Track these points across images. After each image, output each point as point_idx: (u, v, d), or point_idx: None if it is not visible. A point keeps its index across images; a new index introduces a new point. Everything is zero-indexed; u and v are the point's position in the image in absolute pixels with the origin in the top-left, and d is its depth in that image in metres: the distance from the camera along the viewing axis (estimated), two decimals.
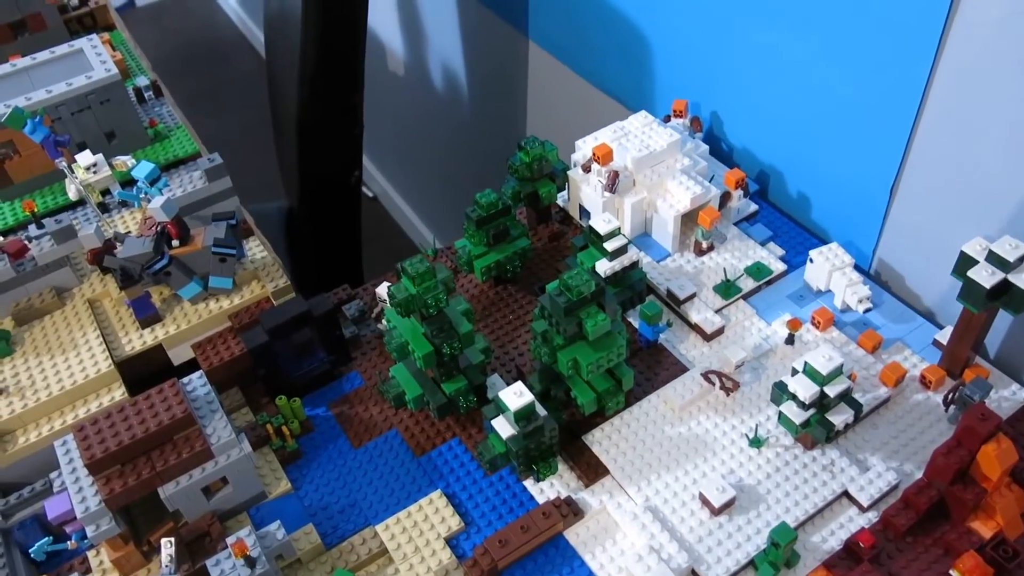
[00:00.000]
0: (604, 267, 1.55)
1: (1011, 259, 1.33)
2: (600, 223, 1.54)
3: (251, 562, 1.24)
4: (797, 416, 1.36)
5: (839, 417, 1.35)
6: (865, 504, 1.36)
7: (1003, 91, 1.35)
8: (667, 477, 1.42)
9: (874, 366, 1.53)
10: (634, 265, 1.58)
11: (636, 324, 1.61)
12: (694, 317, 1.61)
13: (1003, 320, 1.52)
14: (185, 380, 1.39)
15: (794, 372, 1.36)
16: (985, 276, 1.34)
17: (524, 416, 1.33)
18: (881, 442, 1.44)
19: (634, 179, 1.72)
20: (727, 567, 1.30)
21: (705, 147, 1.81)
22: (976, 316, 1.42)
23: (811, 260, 1.64)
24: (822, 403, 1.35)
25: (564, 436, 1.49)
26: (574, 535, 1.38)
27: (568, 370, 1.40)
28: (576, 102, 2.34)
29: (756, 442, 1.44)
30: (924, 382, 1.50)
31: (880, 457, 1.41)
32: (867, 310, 1.59)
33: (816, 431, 1.36)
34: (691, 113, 1.92)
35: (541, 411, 1.37)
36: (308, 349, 1.58)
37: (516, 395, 1.33)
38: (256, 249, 1.73)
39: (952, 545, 1.30)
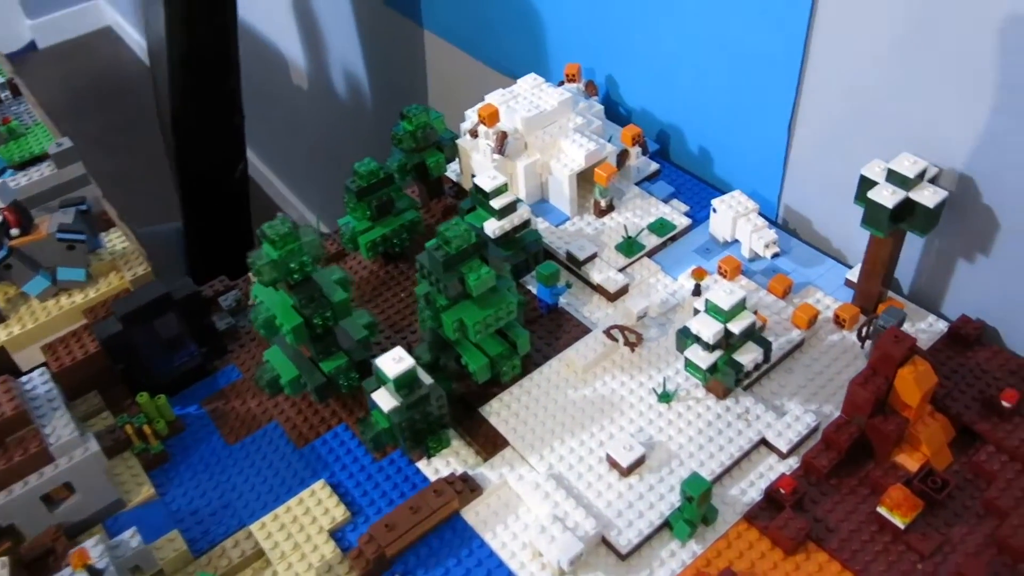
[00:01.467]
0: (493, 227, 1.44)
1: (911, 175, 1.25)
2: (485, 180, 1.43)
3: (95, 573, 1.08)
4: (703, 360, 1.25)
5: (747, 357, 1.25)
6: (784, 450, 1.26)
7: (883, 12, 1.29)
8: (571, 442, 1.30)
9: (785, 310, 1.43)
10: (526, 224, 1.47)
11: (535, 291, 1.51)
12: (596, 277, 1.51)
13: (913, 250, 1.44)
14: (24, 379, 1.24)
15: (696, 313, 1.26)
16: (886, 196, 1.26)
17: (406, 383, 1.20)
18: (798, 386, 1.34)
19: (525, 141, 1.62)
20: (639, 530, 1.18)
21: (600, 107, 1.72)
22: (883, 244, 1.34)
23: (714, 210, 1.56)
24: (728, 344, 1.25)
25: (459, 410, 1.36)
26: (473, 514, 1.25)
27: (454, 333, 1.28)
28: (475, 84, 2.25)
29: (665, 397, 1.33)
30: (838, 321, 1.41)
31: (797, 401, 1.31)
32: (775, 255, 1.50)
33: (725, 375, 1.25)
34: (585, 77, 1.84)
35: (426, 378, 1.24)
36: (177, 343, 1.43)
37: (395, 361, 1.20)
38: (117, 240, 1.58)
39: (879, 482, 1.20)
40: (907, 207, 1.27)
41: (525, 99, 1.65)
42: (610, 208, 1.62)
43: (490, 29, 2.12)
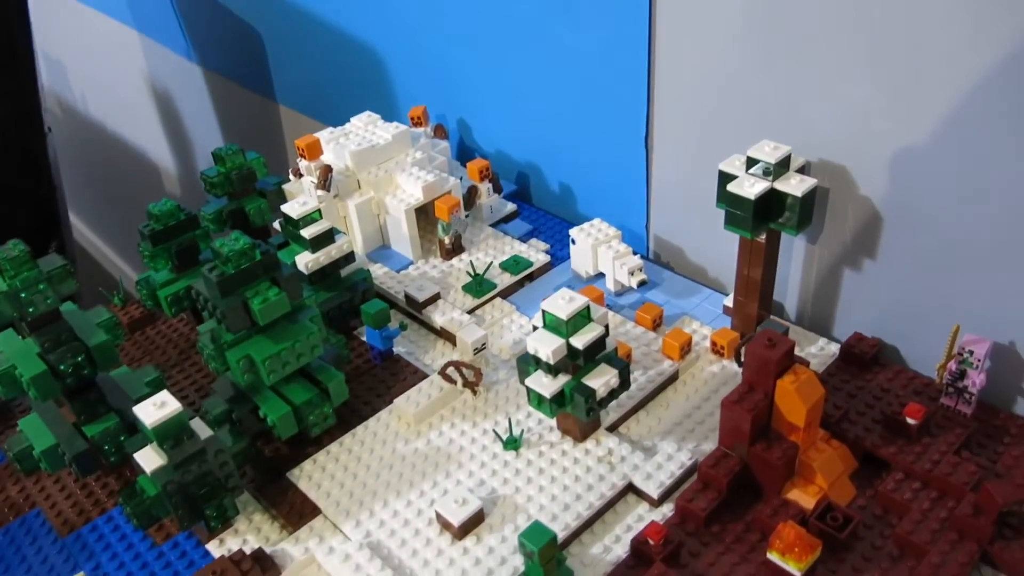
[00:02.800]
0: (306, 260, 1.21)
1: (772, 161, 1.07)
2: (293, 207, 1.20)
3: None
4: (546, 387, 1.01)
5: (599, 380, 1.01)
6: (655, 495, 1.00)
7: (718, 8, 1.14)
8: (396, 504, 1.03)
9: (655, 341, 1.21)
10: (349, 259, 1.24)
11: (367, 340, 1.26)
12: (438, 320, 1.27)
13: (794, 269, 1.25)
14: None
15: (535, 329, 1.03)
16: (747, 187, 1.07)
17: (171, 434, 0.93)
18: (672, 423, 1.10)
19: (357, 179, 1.41)
20: None
21: (445, 145, 1.53)
22: (755, 251, 1.14)
23: (573, 241, 1.35)
24: (575, 366, 1.02)
25: (262, 476, 1.09)
26: None
27: (243, 376, 1.02)
28: None
29: (512, 443, 1.07)
30: (715, 349, 1.19)
31: (672, 440, 1.07)
32: (641, 283, 1.29)
33: (575, 405, 1.01)
34: (434, 121, 1.66)
35: (203, 430, 0.98)
36: None
37: (156, 406, 0.94)
38: None
39: (768, 525, 0.95)
40: (775, 201, 1.08)
41: (356, 135, 1.45)
42: (458, 248, 1.40)
43: (335, 89, 1.94)
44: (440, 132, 1.61)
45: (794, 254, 1.24)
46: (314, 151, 1.38)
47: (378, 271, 1.39)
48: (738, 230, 1.10)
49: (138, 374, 1.13)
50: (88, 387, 1.04)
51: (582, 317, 0.99)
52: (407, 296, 1.30)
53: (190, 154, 2.66)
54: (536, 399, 1.02)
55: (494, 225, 1.49)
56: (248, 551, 0.98)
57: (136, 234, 1.26)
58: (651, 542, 0.93)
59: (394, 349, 1.25)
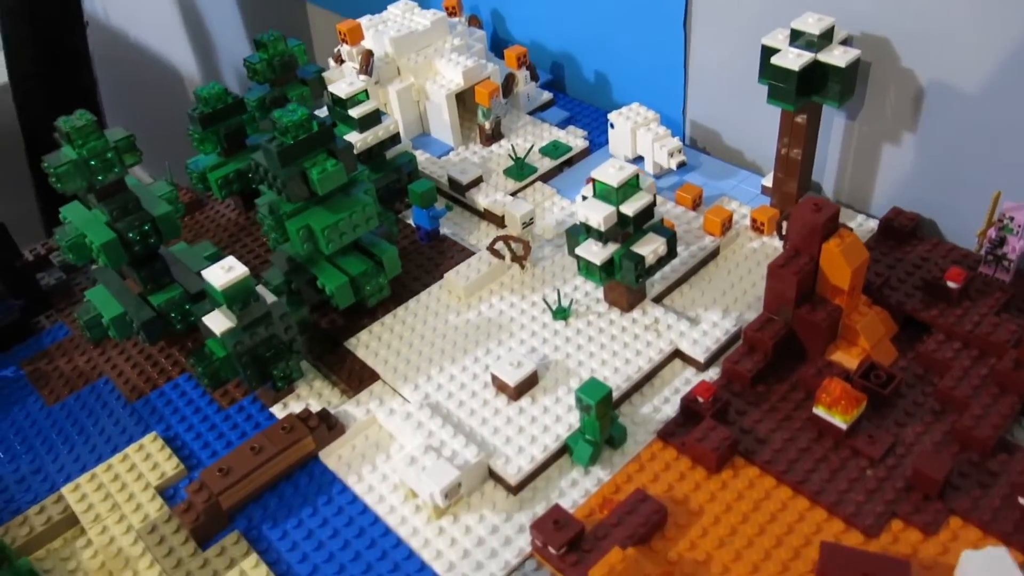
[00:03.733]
0: (353, 141, 1.21)
1: (816, 32, 1.06)
2: (341, 86, 1.20)
3: None
4: (596, 255, 1.02)
5: (647, 247, 1.02)
6: (702, 359, 1.03)
7: None
8: (452, 369, 1.05)
9: (696, 220, 1.22)
10: (395, 139, 1.25)
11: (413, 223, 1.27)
12: (482, 202, 1.28)
13: (832, 147, 1.24)
14: None
15: (584, 199, 1.04)
16: (792, 59, 1.06)
17: (239, 297, 0.95)
18: (717, 294, 1.12)
19: (397, 66, 1.40)
20: (532, 456, 0.94)
21: (482, 33, 1.52)
22: (796, 127, 1.14)
23: (612, 125, 1.35)
24: (625, 234, 1.03)
25: (320, 347, 1.11)
26: (334, 458, 0.99)
27: (303, 245, 1.04)
28: None
29: (561, 313, 1.09)
30: (755, 226, 1.20)
31: (716, 310, 1.09)
32: (681, 164, 1.29)
33: (624, 271, 1.02)
34: (468, 12, 1.64)
35: (268, 295, 1.00)
36: None
37: (224, 270, 0.95)
38: None
39: (813, 384, 0.97)
40: (817, 74, 1.08)
41: (395, 22, 1.44)
42: (497, 134, 1.40)
43: None
44: (474, 22, 1.59)
45: (833, 133, 1.23)
46: (356, 35, 1.36)
47: (419, 157, 1.39)
48: (781, 103, 1.09)
49: (196, 249, 1.15)
50: (153, 257, 1.06)
51: (631, 186, 1.00)
52: (450, 179, 1.31)
53: (214, 59, 2.62)
54: (586, 267, 1.04)
55: (531, 114, 1.49)
56: (305, 408, 1.01)
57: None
58: (700, 400, 0.96)
59: (440, 230, 1.27)
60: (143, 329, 1.05)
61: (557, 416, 0.97)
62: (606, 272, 1.03)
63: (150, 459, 1.00)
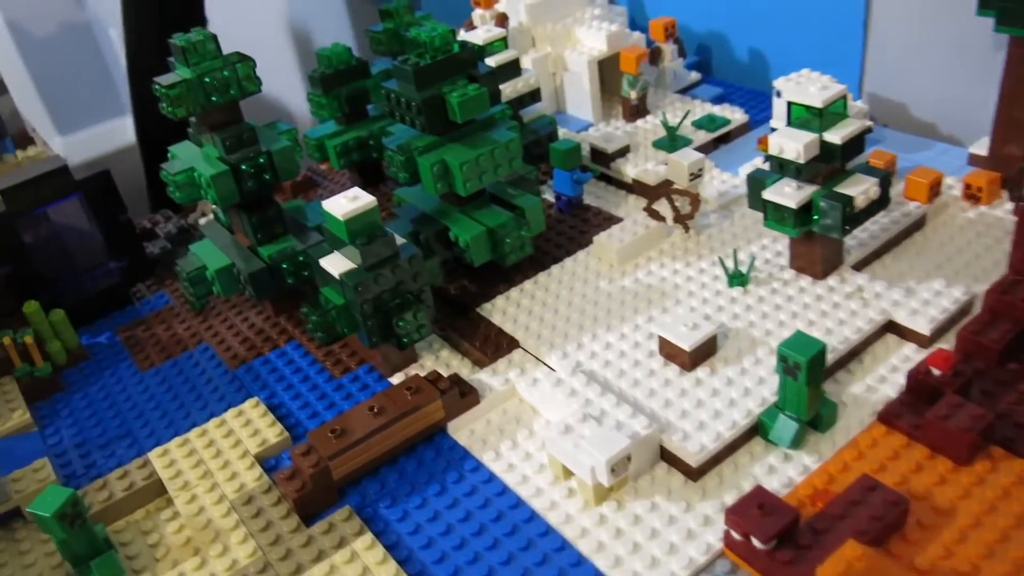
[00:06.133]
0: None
1: None
2: (478, 33, 1.04)
3: None
4: (791, 196, 0.81)
5: (858, 187, 0.81)
6: (927, 331, 0.80)
7: None
8: (608, 336, 0.85)
9: (892, 188, 1.00)
10: (535, 95, 1.08)
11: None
12: (630, 172, 1.10)
13: None
14: None
15: (773, 131, 0.84)
16: None
17: (364, 230, 0.78)
18: (931, 267, 0.89)
19: (532, 35, 1.25)
20: (717, 433, 0.72)
21: (622, 8, 1.35)
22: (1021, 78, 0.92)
23: (778, 93, 1.14)
24: (828, 171, 0.82)
25: (450, 312, 0.93)
26: (465, 432, 0.79)
27: (436, 185, 0.86)
28: None
29: (739, 278, 0.88)
30: (970, 193, 0.97)
31: (934, 281, 0.86)
32: (867, 131, 1.08)
33: (826, 217, 0.81)
34: None
35: (396, 237, 0.82)
36: (92, 255, 1.03)
37: (349, 199, 0.78)
38: (33, 151, 1.20)
39: None
40: None
41: None
42: (643, 109, 1.22)
43: None
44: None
45: None
46: None
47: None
48: (1013, 29, 0.88)
49: (312, 205, 0.99)
50: (267, 202, 0.91)
51: (837, 110, 0.80)
52: (593, 149, 1.13)
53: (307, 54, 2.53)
54: (775, 216, 0.83)
55: (678, 93, 1.31)
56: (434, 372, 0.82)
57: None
58: (937, 372, 0.73)
59: (583, 200, 1.08)
60: (251, 282, 0.89)
61: (746, 388, 0.76)
62: (802, 219, 0.81)
63: (250, 425, 0.82)
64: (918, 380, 0.74)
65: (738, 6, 1.34)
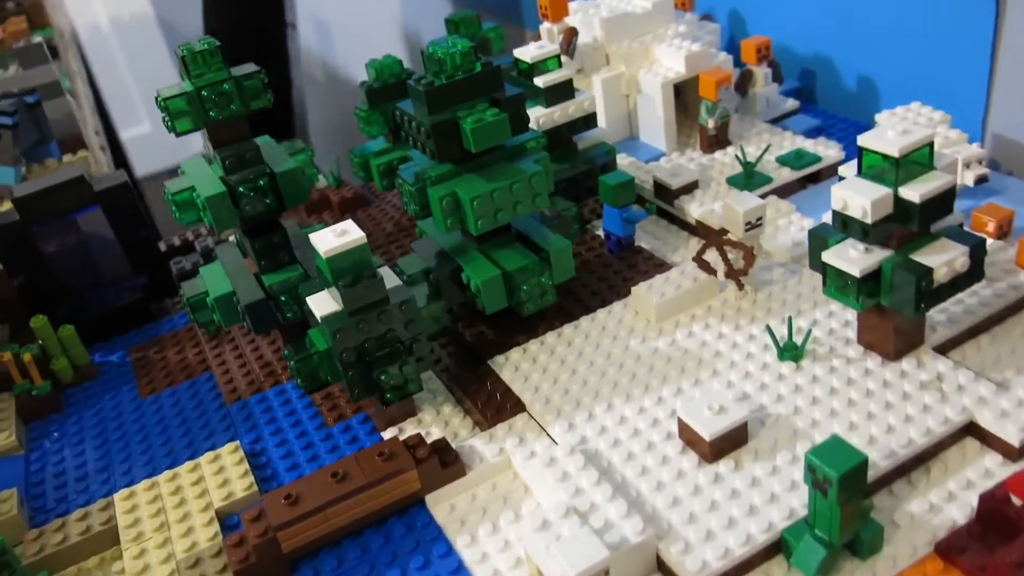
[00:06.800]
0: (538, 116, 0.95)
1: None
2: (528, 50, 0.95)
3: None
4: (856, 262, 0.68)
5: (940, 257, 0.67)
6: (1015, 442, 0.65)
7: None
8: (625, 408, 0.74)
9: (1003, 251, 0.84)
10: (589, 120, 0.97)
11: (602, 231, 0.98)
12: (694, 212, 0.98)
13: None
14: None
15: (841, 181, 0.71)
16: None
17: (348, 269, 0.70)
18: None
19: (606, 52, 1.15)
20: (725, 548, 0.60)
21: (715, 26, 1.23)
22: None
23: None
24: (903, 234, 0.68)
25: (459, 364, 0.84)
26: (444, 507, 0.70)
27: (446, 221, 0.78)
28: None
29: (791, 351, 0.75)
30: None
31: None
32: (980, 180, 0.92)
33: (898, 291, 0.67)
34: (700, 10, 1.36)
35: (392, 279, 0.74)
36: (117, 267, 1.01)
37: (336, 234, 0.71)
38: (83, 160, 1.20)
39: None
40: None
41: (608, 6, 1.18)
42: (723, 139, 1.09)
43: None
44: (708, 21, 1.31)
45: None
46: (559, 9, 1.13)
47: (622, 161, 1.11)
48: None
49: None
50: (272, 227, 0.85)
51: (919, 160, 0.66)
52: (656, 183, 1.01)
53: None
54: (836, 283, 0.69)
55: (770, 122, 1.17)
56: (418, 435, 0.73)
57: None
58: (1018, 501, 0.58)
59: (635, 241, 0.97)
60: (247, 313, 0.83)
61: (772, 494, 0.63)
62: (868, 290, 0.68)
63: (222, 473, 0.76)
64: (993, 507, 0.59)
65: (849, 26, 1.19)
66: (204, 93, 0.77)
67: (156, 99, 0.80)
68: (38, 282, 0.96)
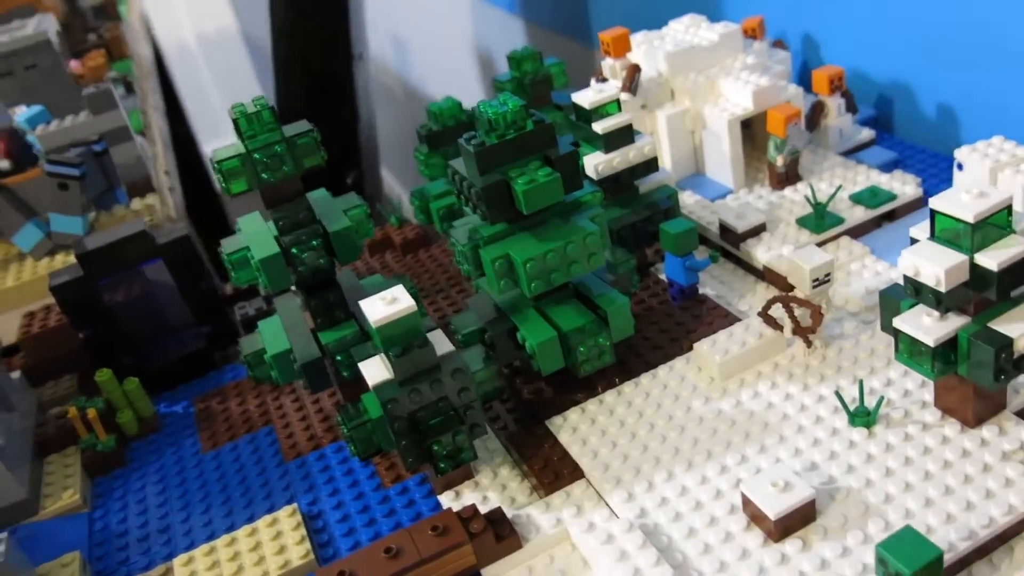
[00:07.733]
0: (596, 163, 0.94)
1: None
2: (587, 94, 0.94)
3: None
4: (930, 331, 0.65)
5: (1019, 327, 0.63)
6: None
7: None
8: (686, 478, 0.73)
9: None
10: (651, 165, 0.96)
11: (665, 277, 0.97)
12: (761, 257, 0.95)
13: None
14: None
15: (913, 243, 0.68)
16: None
17: (399, 339, 0.71)
18: None
19: (671, 87, 1.13)
20: None
21: (786, 54, 1.20)
22: None
23: (959, 166, 0.96)
24: (980, 301, 0.65)
25: (520, 423, 0.84)
26: None
27: (499, 282, 0.78)
28: None
29: (863, 416, 0.73)
30: None
31: None
32: None
33: (976, 361, 0.64)
34: (772, 36, 1.33)
35: (444, 344, 0.74)
36: (175, 321, 1.04)
37: (386, 302, 0.72)
38: (151, 204, 1.24)
39: None
40: None
41: (673, 38, 1.17)
42: (793, 175, 1.07)
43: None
44: (779, 47, 1.28)
45: None
46: (621, 45, 1.11)
47: (687, 199, 1.09)
48: None
49: (390, 283, 0.93)
50: (327, 285, 0.86)
51: (997, 223, 0.63)
52: (722, 225, 0.99)
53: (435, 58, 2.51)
54: (909, 350, 0.67)
55: (844, 155, 1.14)
56: (485, 509, 0.73)
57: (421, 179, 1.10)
58: None
59: (699, 288, 0.95)
60: (304, 370, 0.84)
61: None
62: (943, 359, 0.65)
63: (280, 538, 0.77)
64: None
65: (931, 50, 1.14)
66: (256, 156, 0.79)
67: (211, 160, 0.82)
68: (103, 333, 1.00)
